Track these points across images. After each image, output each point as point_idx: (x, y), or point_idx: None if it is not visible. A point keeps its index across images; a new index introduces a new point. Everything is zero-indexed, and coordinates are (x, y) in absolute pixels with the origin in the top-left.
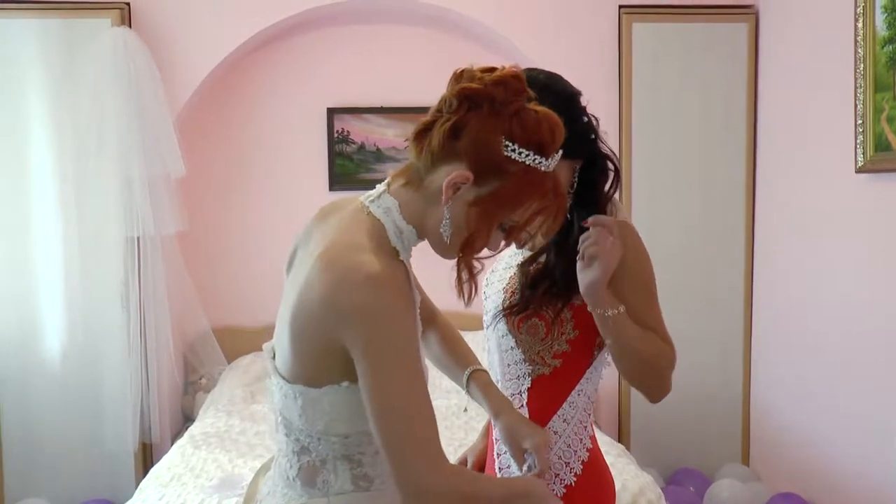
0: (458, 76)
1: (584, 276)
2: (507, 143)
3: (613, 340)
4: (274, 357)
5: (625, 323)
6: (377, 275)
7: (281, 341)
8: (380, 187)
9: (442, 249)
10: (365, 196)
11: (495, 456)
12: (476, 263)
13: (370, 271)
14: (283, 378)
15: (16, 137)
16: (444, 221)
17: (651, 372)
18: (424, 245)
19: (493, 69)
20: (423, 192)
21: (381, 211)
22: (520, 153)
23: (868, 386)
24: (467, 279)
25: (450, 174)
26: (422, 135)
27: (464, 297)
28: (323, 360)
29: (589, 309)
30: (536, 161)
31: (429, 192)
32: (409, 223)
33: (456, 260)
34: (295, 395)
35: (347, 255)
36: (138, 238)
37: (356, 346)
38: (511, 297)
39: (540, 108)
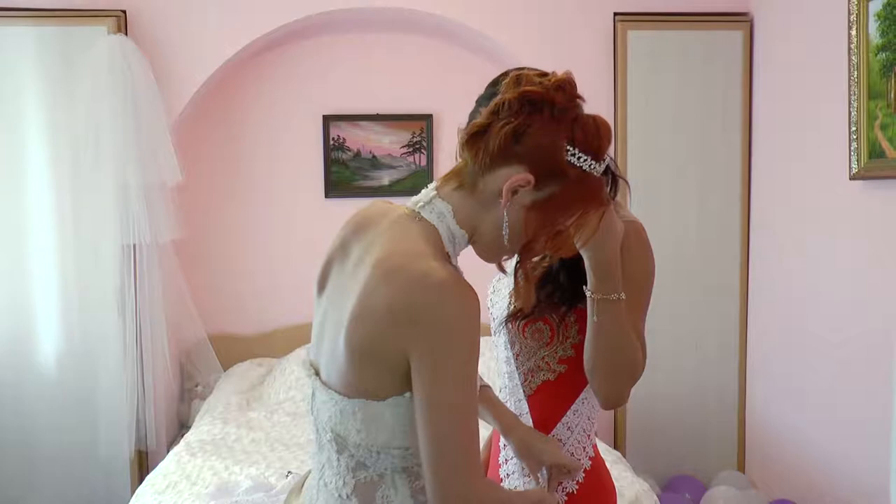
0: (516, 80)
1: (593, 256)
2: (568, 147)
3: (608, 327)
4: (317, 374)
5: (622, 312)
6: (449, 281)
7: (333, 356)
8: (428, 192)
9: (491, 254)
10: (413, 202)
11: (501, 462)
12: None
13: (441, 277)
14: (339, 393)
15: (12, 145)
16: (503, 225)
17: (624, 373)
18: None
19: (546, 73)
20: (477, 195)
21: (435, 216)
22: (579, 158)
23: (864, 393)
24: (524, 284)
25: (508, 177)
26: (476, 137)
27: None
28: (387, 370)
29: (596, 295)
30: (592, 166)
31: (483, 195)
32: (462, 228)
33: (514, 266)
34: (354, 409)
35: (412, 263)
36: (134, 245)
37: (420, 351)
38: (517, 301)
39: (595, 115)
